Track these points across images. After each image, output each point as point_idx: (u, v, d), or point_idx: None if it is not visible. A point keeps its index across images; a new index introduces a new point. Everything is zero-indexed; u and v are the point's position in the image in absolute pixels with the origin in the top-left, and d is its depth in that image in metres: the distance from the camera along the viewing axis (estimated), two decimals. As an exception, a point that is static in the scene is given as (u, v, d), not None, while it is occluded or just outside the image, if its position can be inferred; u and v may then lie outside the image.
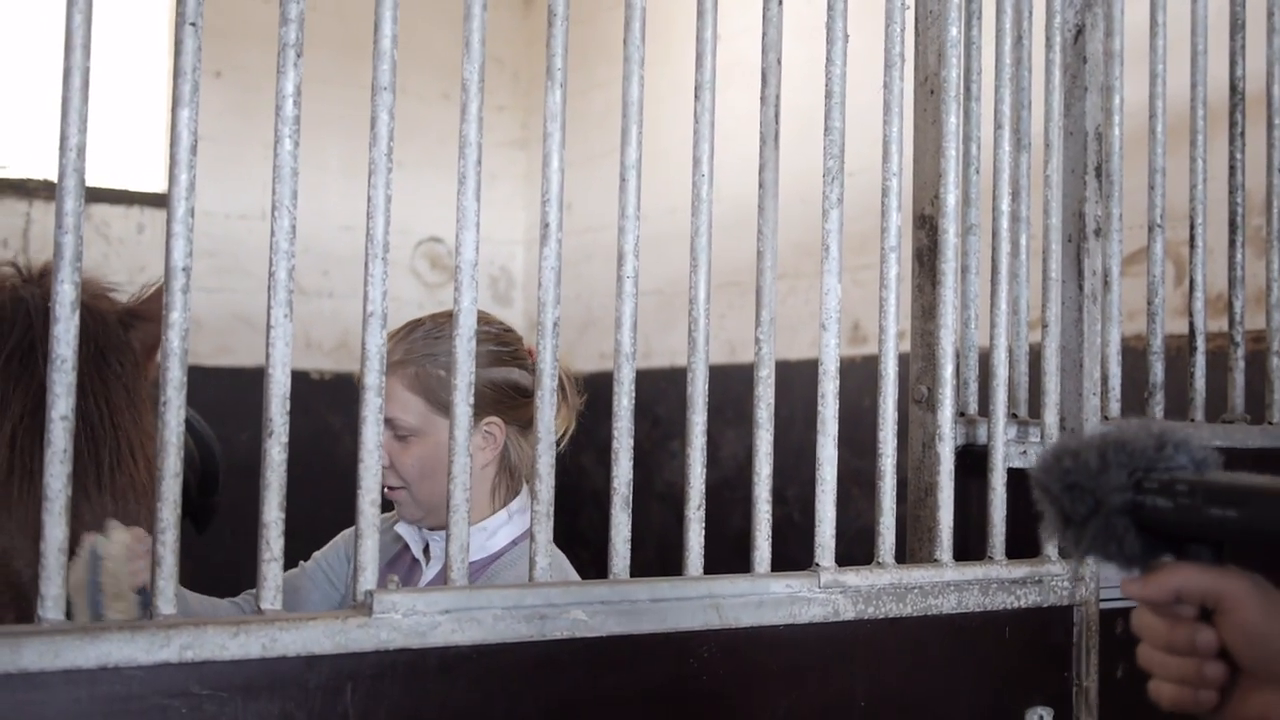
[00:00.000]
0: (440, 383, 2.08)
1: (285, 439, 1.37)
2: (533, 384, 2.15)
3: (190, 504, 2.99)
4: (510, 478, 2.15)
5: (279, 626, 1.32)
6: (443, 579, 1.94)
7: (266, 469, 1.37)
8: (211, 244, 5.19)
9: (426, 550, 2.15)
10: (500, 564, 2.06)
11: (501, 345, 2.14)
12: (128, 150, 5.30)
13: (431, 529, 2.14)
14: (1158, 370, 2.24)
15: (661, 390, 5.07)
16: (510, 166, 6.10)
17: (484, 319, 2.18)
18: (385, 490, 2.10)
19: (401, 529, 2.17)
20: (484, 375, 2.04)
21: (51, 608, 1.24)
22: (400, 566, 2.20)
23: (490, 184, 5.65)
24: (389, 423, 2.06)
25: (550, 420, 1.53)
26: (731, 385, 4.71)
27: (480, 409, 1.93)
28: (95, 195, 5.02)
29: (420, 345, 2.11)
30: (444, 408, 2.08)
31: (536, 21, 6.14)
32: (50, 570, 1.24)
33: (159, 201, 5.21)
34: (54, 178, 1.29)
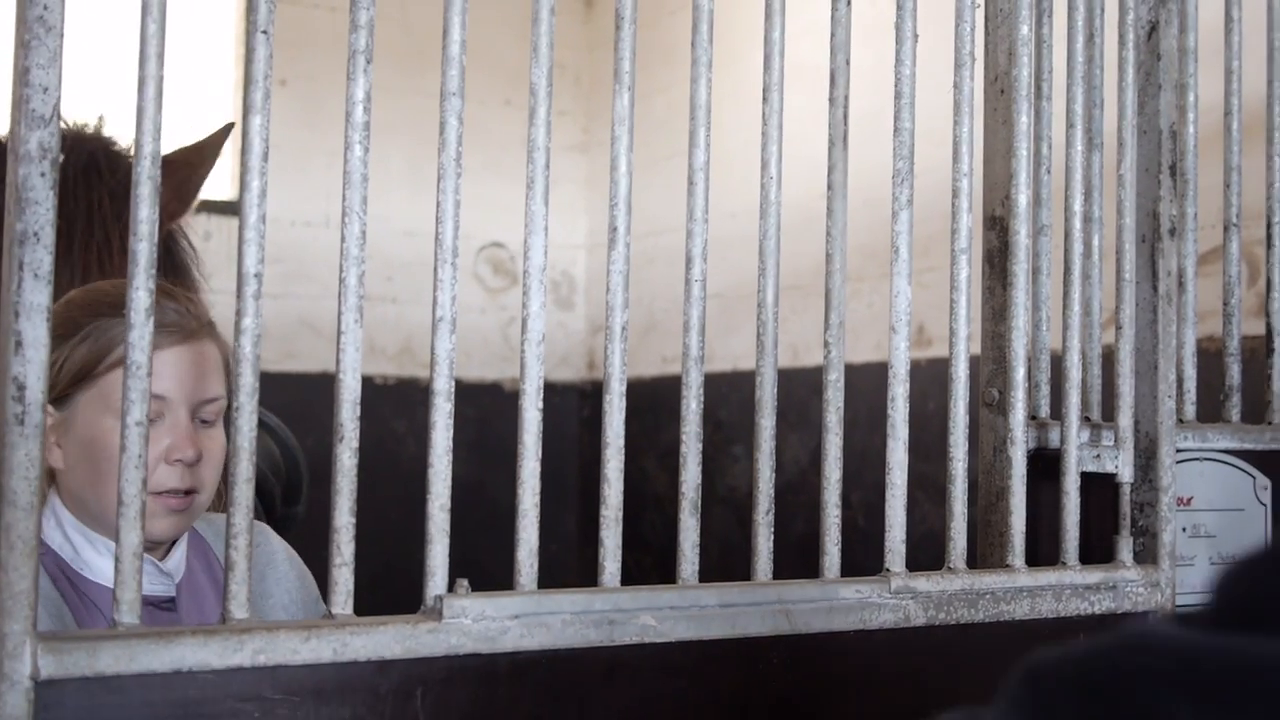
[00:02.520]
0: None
1: (356, 444, 1.38)
2: None
3: (273, 513, 3.00)
4: None
5: (350, 631, 1.32)
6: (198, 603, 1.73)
7: (337, 474, 1.37)
8: (277, 251, 5.20)
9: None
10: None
11: None
12: (194, 159, 5.36)
13: (160, 549, 1.72)
14: (1234, 372, 2.20)
15: (724, 394, 5.05)
16: (572, 171, 6.11)
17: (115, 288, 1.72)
18: (175, 499, 1.66)
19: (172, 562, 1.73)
20: None
21: (126, 612, 1.25)
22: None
23: (552, 188, 5.63)
24: (208, 404, 1.71)
25: (619, 424, 1.52)
26: (795, 389, 4.69)
27: None
28: (163, 203, 5.08)
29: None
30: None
31: (598, 26, 6.15)
32: (125, 575, 1.26)
33: (226, 209, 5.27)
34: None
